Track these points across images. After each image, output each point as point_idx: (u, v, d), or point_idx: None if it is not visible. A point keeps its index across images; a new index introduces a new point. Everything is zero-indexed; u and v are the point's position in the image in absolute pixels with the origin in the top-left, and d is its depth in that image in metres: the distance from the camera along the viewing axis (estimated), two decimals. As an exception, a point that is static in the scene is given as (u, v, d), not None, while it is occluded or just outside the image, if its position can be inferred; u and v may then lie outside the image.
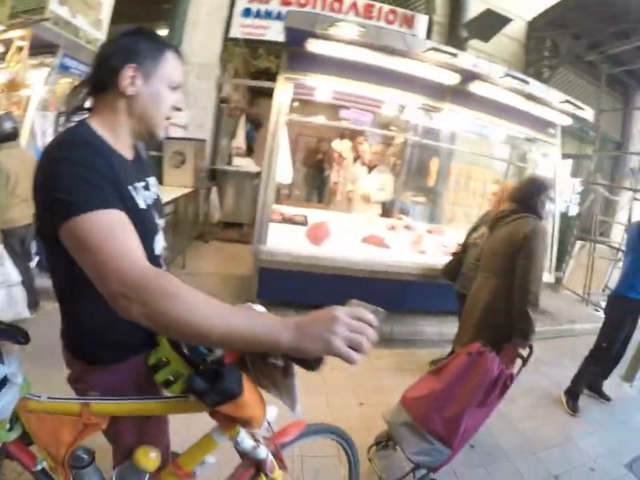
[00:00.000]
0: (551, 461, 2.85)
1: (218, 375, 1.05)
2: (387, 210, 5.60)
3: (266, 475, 1.33)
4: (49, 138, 4.21)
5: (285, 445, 1.45)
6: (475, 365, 2.06)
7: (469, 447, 2.63)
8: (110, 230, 0.89)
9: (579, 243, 6.91)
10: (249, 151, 7.93)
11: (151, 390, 1.24)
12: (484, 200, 5.13)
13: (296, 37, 3.77)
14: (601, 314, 5.79)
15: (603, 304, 6.00)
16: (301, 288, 4.08)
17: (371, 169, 5.50)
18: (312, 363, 0.92)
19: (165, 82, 1.13)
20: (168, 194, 4.89)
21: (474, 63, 3.96)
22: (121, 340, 1.19)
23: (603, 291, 6.77)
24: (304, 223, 4.57)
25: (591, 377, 3.67)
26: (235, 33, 6.48)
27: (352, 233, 4.46)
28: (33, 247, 3.71)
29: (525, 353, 2.32)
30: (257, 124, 8.45)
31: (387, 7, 6.34)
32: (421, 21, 6.42)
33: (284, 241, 4.11)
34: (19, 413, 1.20)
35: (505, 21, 5.51)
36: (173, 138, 5.67)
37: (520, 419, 3.27)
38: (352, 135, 6.02)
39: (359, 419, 2.94)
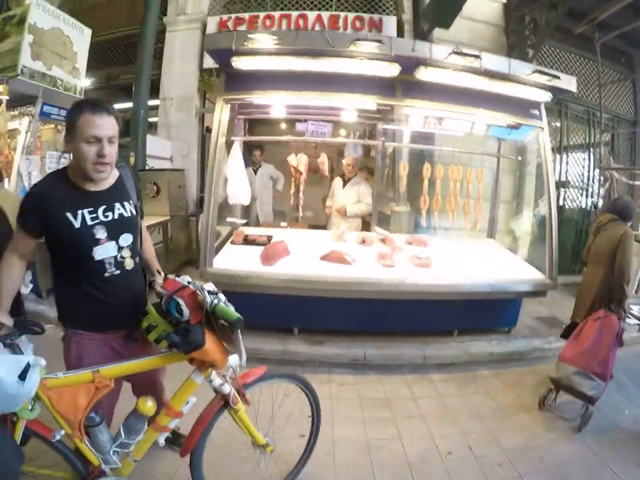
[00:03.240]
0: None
1: (187, 332, 1.58)
2: (368, 223, 5.21)
3: (229, 405, 1.85)
4: (35, 179, 4.69)
5: (248, 385, 1.96)
6: (606, 324, 3.04)
7: None
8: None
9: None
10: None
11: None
12: (470, 202, 4.64)
13: (220, 57, 3.80)
14: (635, 322, 5.06)
15: (636, 309, 5.25)
16: (263, 310, 3.82)
17: (345, 182, 5.26)
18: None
19: (81, 138, 1.59)
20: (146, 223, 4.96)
21: (410, 46, 3.60)
22: (79, 313, 1.79)
23: (637, 292, 5.87)
24: (266, 243, 4.32)
25: None
26: (209, 63, 6.42)
27: (315, 251, 4.14)
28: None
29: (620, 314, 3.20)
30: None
31: (352, 15, 6.11)
32: (390, 22, 6.12)
33: (242, 263, 3.91)
34: (39, 393, 1.54)
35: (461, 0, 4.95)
36: (148, 170, 5.71)
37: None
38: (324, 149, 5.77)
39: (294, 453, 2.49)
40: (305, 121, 4.47)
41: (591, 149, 7.02)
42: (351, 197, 5.19)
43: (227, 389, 1.82)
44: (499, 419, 3.21)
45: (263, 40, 3.46)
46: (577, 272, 6.64)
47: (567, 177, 7.03)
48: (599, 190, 6.87)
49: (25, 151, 4.81)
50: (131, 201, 1.86)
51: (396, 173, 5.27)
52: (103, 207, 1.73)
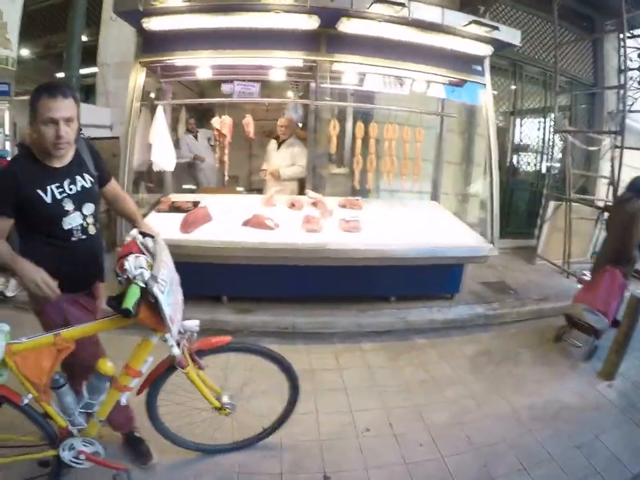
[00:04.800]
0: None
1: (122, 298, 1.61)
2: (304, 186, 4.92)
3: (175, 367, 1.93)
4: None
5: (203, 352, 2.05)
6: (611, 275, 3.69)
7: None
8: None
9: (552, 204, 5.90)
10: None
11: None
12: (408, 162, 4.47)
13: (131, 19, 3.64)
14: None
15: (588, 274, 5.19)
16: (190, 279, 3.44)
17: (280, 143, 5.01)
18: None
19: (40, 121, 1.74)
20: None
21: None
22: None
23: (591, 257, 5.78)
24: (191, 209, 4.08)
25: None
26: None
27: (241, 216, 3.94)
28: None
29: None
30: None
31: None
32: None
33: (164, 231, 3.62)
34: (6, 358, 1.61)
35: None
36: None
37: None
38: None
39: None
40: (231, 81, 4.21)
41: (548, 113, 6.78)
42: (286, 159, 4.96)
43: (176, 351, 1.89)
44: (429, 393, 3.07)
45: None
46: (531, 236, 6.53)
47: (521, 140, 6.87)
48: (553, 153, 6.77)
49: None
50: (90, 172, 2.03)
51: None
52: (68, 180, 1.92)
